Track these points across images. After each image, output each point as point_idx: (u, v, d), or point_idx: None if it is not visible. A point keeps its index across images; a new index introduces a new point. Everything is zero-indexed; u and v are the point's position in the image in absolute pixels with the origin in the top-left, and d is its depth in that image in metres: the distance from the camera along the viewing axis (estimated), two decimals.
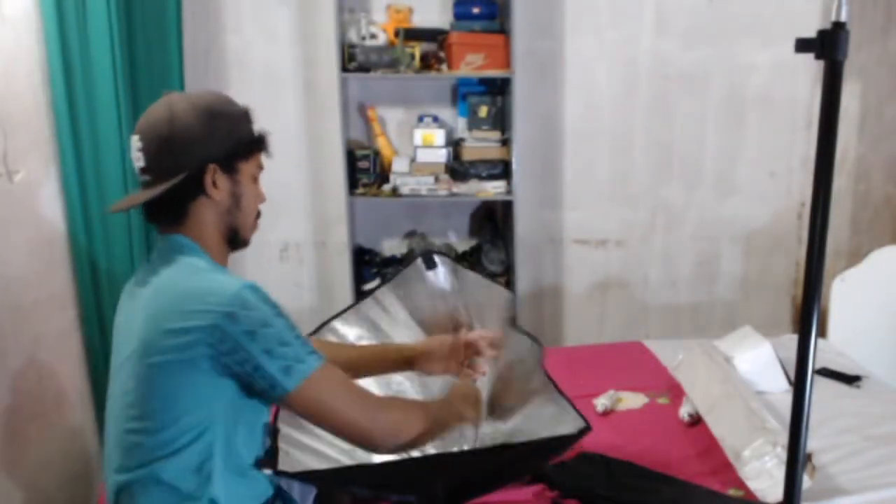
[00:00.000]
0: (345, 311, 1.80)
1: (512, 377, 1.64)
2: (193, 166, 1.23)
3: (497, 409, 1.60)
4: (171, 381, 1.15)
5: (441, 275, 1.85)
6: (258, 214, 1.37)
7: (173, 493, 1.18)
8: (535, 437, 1.47)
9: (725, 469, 1.67)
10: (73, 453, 2.23)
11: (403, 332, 1.81)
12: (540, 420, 1.53)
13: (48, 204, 2.11)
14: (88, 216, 2.19)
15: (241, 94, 2.99)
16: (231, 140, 1.26)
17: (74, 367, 2.25)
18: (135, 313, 1.22)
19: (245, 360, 1.14)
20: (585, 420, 1.40)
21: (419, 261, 1.86)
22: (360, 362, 1.58)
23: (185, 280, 1.20)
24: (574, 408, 1.46)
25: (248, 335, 1.14)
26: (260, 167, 1.33)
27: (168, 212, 1.26)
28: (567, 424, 1.44)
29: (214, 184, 1.25)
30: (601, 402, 2.03)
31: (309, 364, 1.19)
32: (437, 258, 1.84)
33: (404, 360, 1.60)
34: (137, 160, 1.24)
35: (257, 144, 1.31)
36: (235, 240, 1.34)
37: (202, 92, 1.30)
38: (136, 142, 1.24)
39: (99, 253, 2.23)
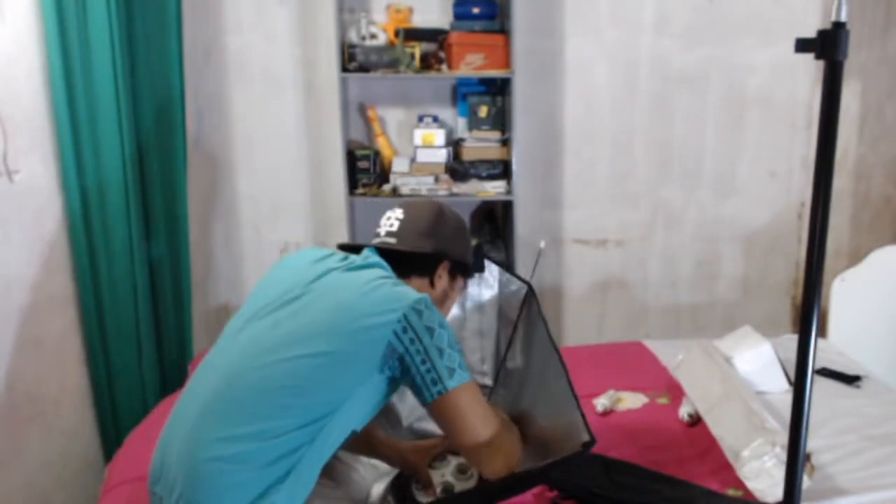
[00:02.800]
0: None
1: (535, 413, 1.66)
2: (437, 252, 1.49)
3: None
4: (347, 353, 1.28)
5: (486, 278, 1.93)
6: None
7: (257, 459, 1.22)
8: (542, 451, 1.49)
9: (725, 469, 1.67)
10: (73, 453, 2.23)
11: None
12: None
13: (48, 204, 2.11)
14: (88, 216, 2.19)
15: (241, 94, 3.06)
16: (466, 257, 1.57)
17: (74, 367, 2.25)
18: (327, 293, 1.37)
19: (419, 351, 1.29)
20: (591, 434, 1.38)
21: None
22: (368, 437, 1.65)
23: (386, 284, 1.37)
24: (584, 420, 1.45)
25: (427, 331, 1.30)
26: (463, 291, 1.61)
27: (394, 268, 1.45)
28: (572, 439, 1.44)
29: (440, 276, 1.51)
30: (601, 402, 2.03)
31: (466, 373, 1.34)
32: (487, 263, 1.93)
33: (384, 450, 1.64)
34: (391, 225, 1.51)
35: (472, 274, 1.62)
36: None
37: (457, 212, 1.59)
38: (398, 212, 1.52)
39: (99, 253, 2.23)
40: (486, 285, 1.93)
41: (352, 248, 1.54)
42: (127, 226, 2.27)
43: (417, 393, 1.34)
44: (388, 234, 1.50)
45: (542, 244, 1.99)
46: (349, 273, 1.40)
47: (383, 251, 1.48)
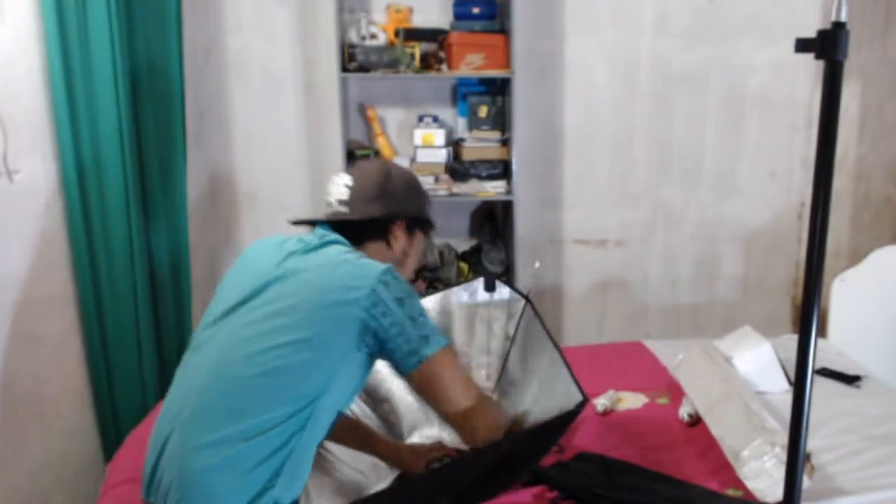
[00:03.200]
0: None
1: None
2: (389, 214, 1.47)
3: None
4: (323, 335, 1.28)
5: (496, 296, 1.97)
6: (414, 280, 1.61)
7: (254, 453, 1.23)
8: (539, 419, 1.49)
9: (725, 469, 1.67)
10: (73, 453, 2.23)
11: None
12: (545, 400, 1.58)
13: (48, 204, 2.11)
14: (88, 216, 2.19)
15: (241, 94, 3.06)
16: (421, 211, 1.54)
17: (74, 367, 2.25)
18: (292, 278, 1.35)
19: (393, 323, 1.29)
20: (583, 393, 1.41)
21: (481, 280, 1.99)
22: (356, 430, 1.67)
23: (349, 260, 1.36)
24: (576, 382, 1.48)
25: (397, 302, 1.29)
26: (425, 245, 1.59)
27: (348, 237, 1.44)
28: (563, 400, 1.46)
29: (396, 237, 1.48)
30: (601, 402, 2.03)
31: (442, 338, 1.34)
32: (498, 283, 1.98)
33: (383, 450, 1.65)
34: (340, 194, 1.47)
35: (432, 225, 1.58)
36: None
37: (406, 168, 1.60)
38: (345, 179, 1.48)
39: (99, 253, 2.23)
40: (496, 304, 1.95)
41: (308, 222, 1.53)
42: (127, 226, 2.27)
43: (397, 365, 1.33)
44: (340, 202, 1.47)
45: (537, 264, 2.04)
46: (308, 255, 1.38)
47: (336, 221, 1.47)
